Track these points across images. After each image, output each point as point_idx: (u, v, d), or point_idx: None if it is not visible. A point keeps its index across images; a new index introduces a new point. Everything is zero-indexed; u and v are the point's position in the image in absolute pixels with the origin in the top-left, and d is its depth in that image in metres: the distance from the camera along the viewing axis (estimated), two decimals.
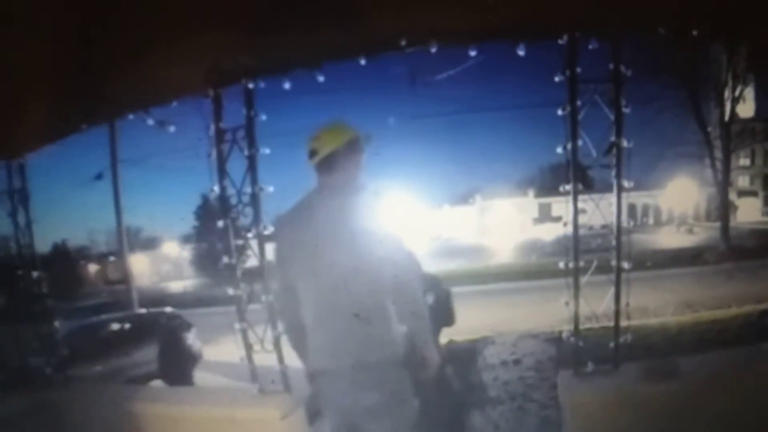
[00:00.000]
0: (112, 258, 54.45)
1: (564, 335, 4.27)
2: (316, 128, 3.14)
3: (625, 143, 3.92)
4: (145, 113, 4.86)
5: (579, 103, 3.90)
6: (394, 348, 2.96)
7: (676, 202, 57.31)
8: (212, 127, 4.34)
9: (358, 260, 2.89)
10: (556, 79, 3.93)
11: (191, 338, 15.27)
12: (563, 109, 3.93)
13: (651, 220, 62.56)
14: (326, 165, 3.06)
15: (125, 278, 23.61)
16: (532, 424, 6.25)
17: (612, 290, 4.07)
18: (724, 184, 30.71)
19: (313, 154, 3.07)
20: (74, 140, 5.33)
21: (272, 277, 3.18)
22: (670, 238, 42.75)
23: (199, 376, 14.48)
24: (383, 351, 2.93)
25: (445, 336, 4.70)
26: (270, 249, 3.24)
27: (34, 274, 5.42)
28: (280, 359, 4.39)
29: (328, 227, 2.94)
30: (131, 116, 5.00)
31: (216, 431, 4.47)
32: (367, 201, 3.00)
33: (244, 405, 4.48)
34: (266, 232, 4.35)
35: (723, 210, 31.76)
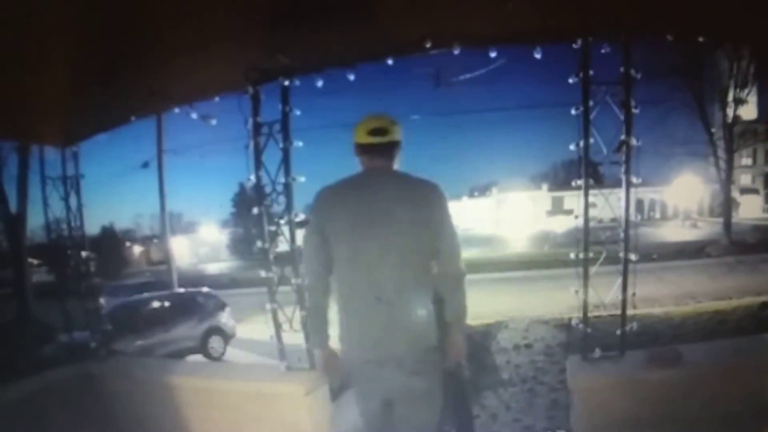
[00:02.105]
0: (154, 240, 55.23)
1: (573, 322, 4.31)
2: (371, 114, 3.12)
3: (634, 141, 3.95)
4: (189, 107, 4.91)
5: (591, 103, 3.94)
6: (422, 335, 2.94)
7: (682, 198, 56.64)
8: (250, 121, 4.41)
9: (411, 245, 2.89)
10: (570, 80, 3.96)
11: (226, 316, 15.59)
12: (576, 109, 3.96)
13: (657, 215, 62.21)
14: (389, 149, 3.05)
15: (166, 259, 24.12)
16: (541, 405, 6.23)
17: (619, 280, 4.08)
18: (727, 181, 30.89)
19: (381, 132, 3.03)
20: (124, 131, 5.50)
21: (305, 250, 3.15)
22: (675, 232, 42.87)
23: (232, 352, 14.76)
24: (411, 337, 2.91)
25: None
26: (311, 219, 3.15)
27: (83, 254, 5.51)
28: (307, 339, 4.40)
29: (384, 210, 2.91)
30: (177, 110, 5.07)
31: (245, 404, 4.54)
32: (425, 189, 3.00)
33: (272, 380, 4.56)
34: (297, 219, 4.41)
35: (726, 206, 31.89)
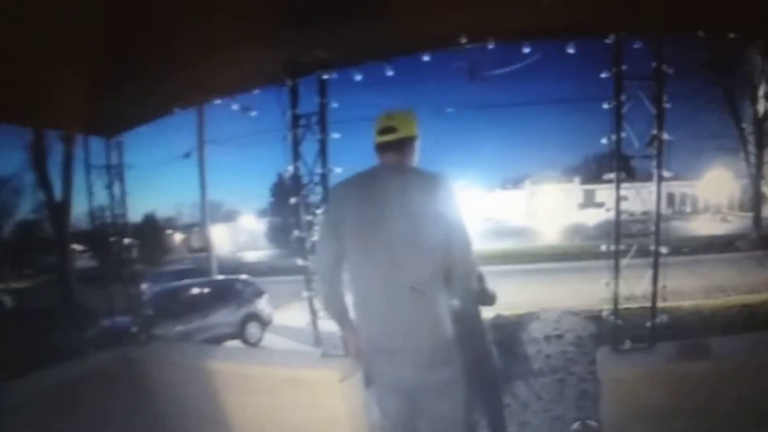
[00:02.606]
0: (195, 228, 55.66)
1: (604, 313, 4.31)
2: (386, 109, 3.21)
3: (665, 136, 3.93)
4: (230, 99, 5.04)
5: (623, 97, 3.92)
6: (446, 325, 2.96)
7: (712, 192, 56.18)
8: (289, 113, 4.46)
9: (419, 237, 2.88)
10: (603, 75, 3.96)
11: (263, 303, 15.84)
12: (609, 103, 3.95)
13: (688, 209, 61.17)
14: (399, 146, 3.10)
15: (206, 247, 24.54)
16: (571, 395, 6.27)
17: (650, 273, 4.07)
18: (757, 176, 30.34)
19: (389, 131, 3.09)
20: (167, 122, 5.54)
21: (319, 244, 3.28)
22: (705, 226, 42.48)
23: (269, 338, 14.97)
24: (437, 327, 2.93)
25: (494, 311, 4.83)
26: (326, 213, 3.27)
27: (126, 241, 5.59)
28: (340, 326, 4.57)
29: (392, 203, 2.91)
30: (218, 101, 5.20)
31: (281, 389, 4.57)
32: (432, 182, 2.99)
33: (308, 366, 4.57)
34: None
35: (755, 201, 31.30)
